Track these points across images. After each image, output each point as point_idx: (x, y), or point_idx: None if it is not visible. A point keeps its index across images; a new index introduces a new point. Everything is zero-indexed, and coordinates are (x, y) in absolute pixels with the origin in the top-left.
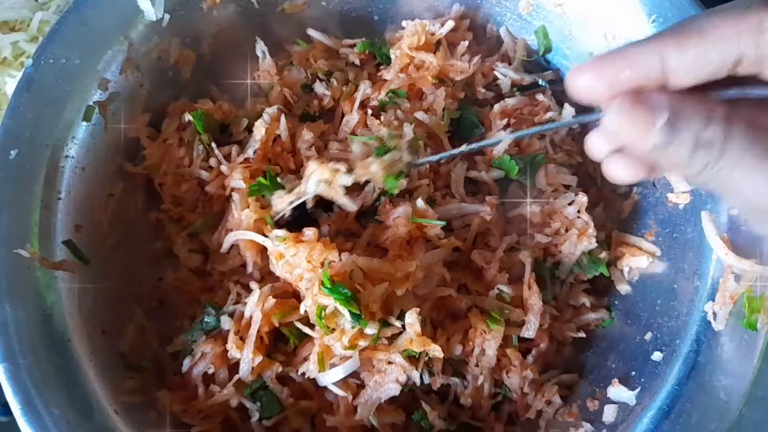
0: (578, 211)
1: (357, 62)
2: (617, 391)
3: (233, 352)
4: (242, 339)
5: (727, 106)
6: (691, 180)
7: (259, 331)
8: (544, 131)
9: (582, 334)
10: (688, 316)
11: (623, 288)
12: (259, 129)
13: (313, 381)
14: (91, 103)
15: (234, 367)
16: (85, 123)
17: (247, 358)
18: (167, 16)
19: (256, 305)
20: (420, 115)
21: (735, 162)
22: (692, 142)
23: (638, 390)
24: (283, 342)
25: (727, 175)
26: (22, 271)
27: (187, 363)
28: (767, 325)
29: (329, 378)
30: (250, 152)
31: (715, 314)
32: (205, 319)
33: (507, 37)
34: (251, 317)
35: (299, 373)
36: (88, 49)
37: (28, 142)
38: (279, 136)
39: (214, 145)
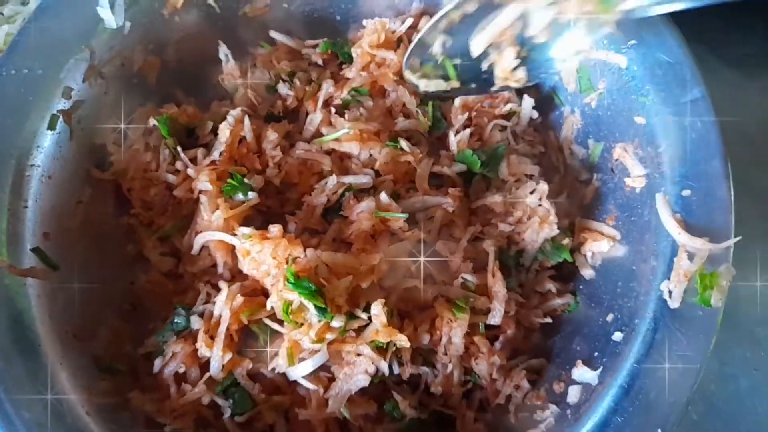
0: (539, 199)
1: (320, 62)
2: (581, 372)
3: (203, 350)
4: (212, 338)
5: None
6: None
7: (228, 329)
8: None
9: (548, 320)
10: (646, 295)
11: (587, 273)
12: (224, 131)
13: (285, 376)
14: (55, 112)
15: (205, 365)
16: (50, 132)
17: (217, 356)
18: (128, 24)
19: (224, 304)
20: (402, 123)
21: None
22: None
23: (600, 370)
24: (253, 339)
25: None
26: None
27: (158, 363)
28: (721, 300)
29: (299, 372)
30: (215, 154)
31: (670, 292)
32: (176, 320)
33: None
34: (220, 316)
35: (270, 368)
36: (50, 58)
37: None
38: (244, 137)
39: (179, 148)
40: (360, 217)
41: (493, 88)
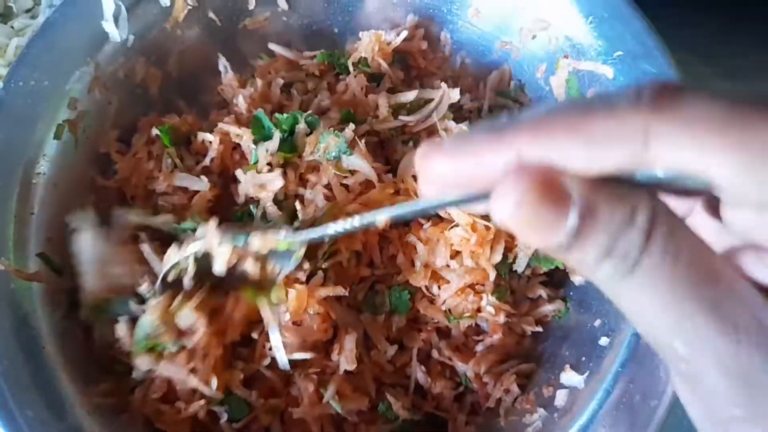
0: None
1: (317, 73)
2: (568, 377)
3: (191, 383)
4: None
5: (652, 200)
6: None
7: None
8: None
9: (539, 329)
10: None
11: (577, 279)
12: (215, 139)
13: (281, 376)
14: (60, 122)
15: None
16: (55, 141)
17: (212, 388)
18: (132, 37)
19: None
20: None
21: (645, 283)
22: (602, 250)
23: (587, 374)
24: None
25: (631, 297)
26: None
27: (138, 392)
28: None
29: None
30: (207, 161)
31: None
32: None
33: None
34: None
35: (265, 365)
36: (56, 70)
37: (1, 160)
38: (239, 144)
39: (178, 160)
40: None
41: None
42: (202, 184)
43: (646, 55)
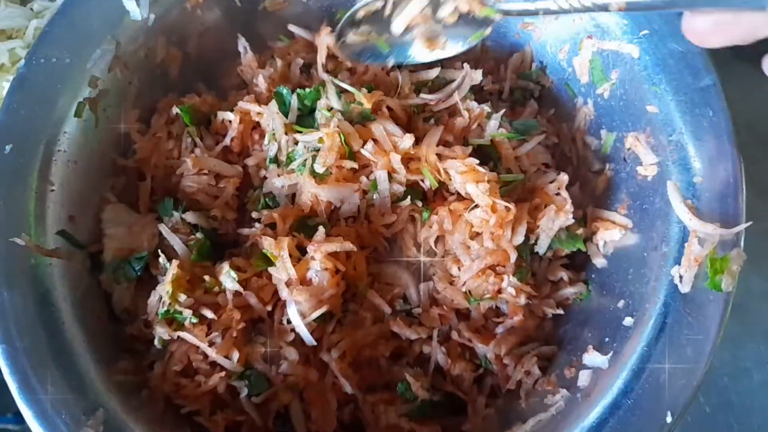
0: (558, 189)
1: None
2: (591, 357)
3: (213, 357)
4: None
5: None
6: None
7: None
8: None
9: (560, 311)
10: (657, 281)
11: (599, 261)
12: (235, 118)
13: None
14: (81, 100)
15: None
16: (76, 119)
17: (233, 362)
18: (152, 16)
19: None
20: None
21: None
22: None
23: (611, 354)
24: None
25: None
26: (18, 258)
27: (158, 366)
28: (732, 285)
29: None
30: (227, 140)
31: (681, 277)
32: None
33: None
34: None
35: (284, 320)
36: (78, 48)
37: (22, 137)
38: (258, 123)
39: (198, 139)
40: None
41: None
42: (234, 170)
43: (673, 34)
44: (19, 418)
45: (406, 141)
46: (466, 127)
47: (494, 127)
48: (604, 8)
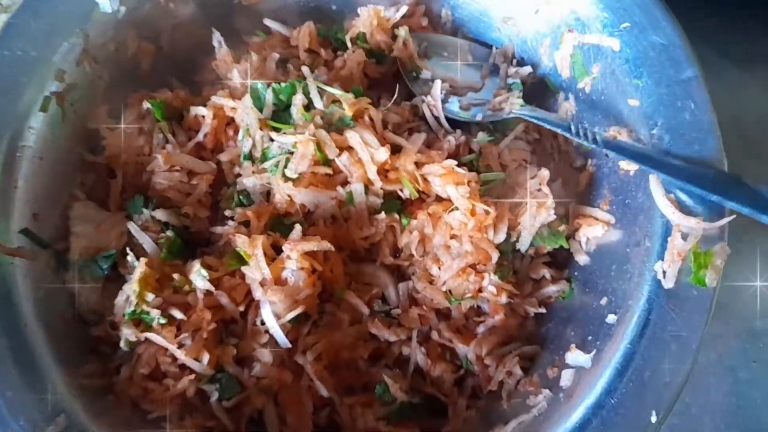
0: (540, 185)
1: (314, 48)
2: (574, 356)
3: (183, 360)
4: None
5: None
6: None
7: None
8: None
9: (542, 310)
10: (640, 277)
11: (582, 258)
12: (208, 113)
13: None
14: (48, 94)
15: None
16: (42, 114)
17: (203, 364)
18: (123, 9)
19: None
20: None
21: None
22: None
23: (593, 353)
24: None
25: None
26: None
27: (125, 370)
28: (716, 280)
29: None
30: (200, 136)
31: (664, 273)
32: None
33: None
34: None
35: (257, 321)
36: (44, 41)
37: None
38: (232, 119)
39: (170, 135)
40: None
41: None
42: (207, 167)
43: (654, 26)
44: None
45: (382, 154)
46: (455, 150)
47: (483, 139)
48: None
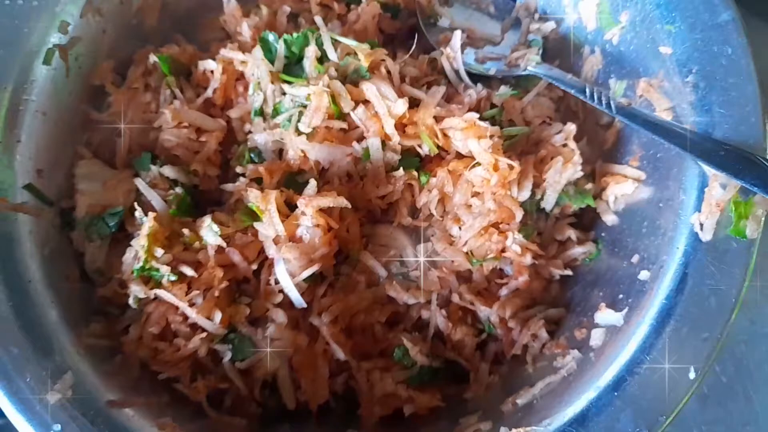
0: (565, 139)
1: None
2: (604, 316)
3: (194, 318)
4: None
5: None
6: None
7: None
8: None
9: (568, 272)
10: (675, 231)
11: (609, 218)
12: (217, 68)
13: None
14: (50, 46)
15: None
16: (45, 67)
17: (215, 323)
18: None
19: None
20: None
21: None
22: None
23: (626, 311)
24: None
25: None
26: None
27: (133, 330)
28: (757, 231)
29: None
30: (209, 92)
31: (701, 225)
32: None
33: None
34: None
35: (271, 280)
36: None
37: None
38: (242, 74)
39: (177, 91)
40: None
41: None
42: (217, 124)
43: None
44: None
45: (399, 106)
46: (475, 104)
47: (506, 93)
48: None
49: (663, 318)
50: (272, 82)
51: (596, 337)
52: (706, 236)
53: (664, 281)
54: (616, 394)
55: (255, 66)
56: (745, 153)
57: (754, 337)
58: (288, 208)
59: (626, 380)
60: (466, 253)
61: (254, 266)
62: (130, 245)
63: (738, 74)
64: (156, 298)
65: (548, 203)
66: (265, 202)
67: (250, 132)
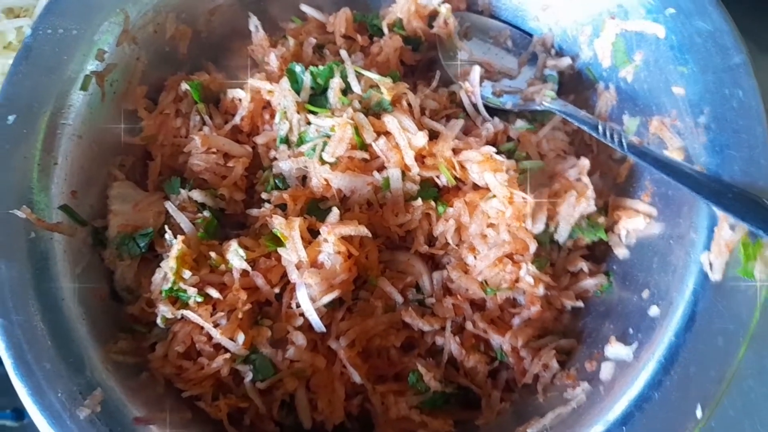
0: (579, 174)
1: (349, 35)
2: (614, 349)
3: (218, 338)
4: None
5: None
6: None
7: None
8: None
9: (580, 303)
10: (685, 269)
11: (621, 252)
12: (245, 96)
13: (313, 340)
14: (88, 73)
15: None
16: (82, 92)
17: (237, 344)
18: None
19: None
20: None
21: None
22: None
23: (635, 345)
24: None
25: None
26: (18, 231)
27: (160, 348)
28: (765, 272)
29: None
30: (237, 119)
31: (711, 264)
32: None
33: None
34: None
35: (293, 304)
36: (85, 20)
37: (26, 108)
38: (269, 102)
39: (207, 117)
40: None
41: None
42: (243, 150)
43: (701, 12)
44: (17, 414)
45: (420, 139)
46: (492, 137)
47: (522, 127)
48: None
49: (672, 355)
50: (298, 112)
51: (606, 371)
52: (715, 276)
53: (674, 319)
54: (624, 429)
55: (282, 96)
56: (752, 196)
57: (762, 371)
58: (310, 234)
59: (634, 415)
60: (481, 282)
61: (276, 290)
62: (159, 266)
63: (748, 116)
64: (182, 317)
65: (561, 236)
66: (289, 229)
67: (275, 158)
